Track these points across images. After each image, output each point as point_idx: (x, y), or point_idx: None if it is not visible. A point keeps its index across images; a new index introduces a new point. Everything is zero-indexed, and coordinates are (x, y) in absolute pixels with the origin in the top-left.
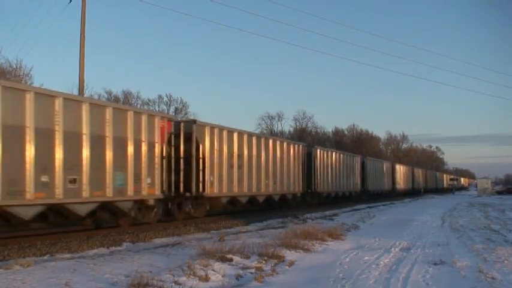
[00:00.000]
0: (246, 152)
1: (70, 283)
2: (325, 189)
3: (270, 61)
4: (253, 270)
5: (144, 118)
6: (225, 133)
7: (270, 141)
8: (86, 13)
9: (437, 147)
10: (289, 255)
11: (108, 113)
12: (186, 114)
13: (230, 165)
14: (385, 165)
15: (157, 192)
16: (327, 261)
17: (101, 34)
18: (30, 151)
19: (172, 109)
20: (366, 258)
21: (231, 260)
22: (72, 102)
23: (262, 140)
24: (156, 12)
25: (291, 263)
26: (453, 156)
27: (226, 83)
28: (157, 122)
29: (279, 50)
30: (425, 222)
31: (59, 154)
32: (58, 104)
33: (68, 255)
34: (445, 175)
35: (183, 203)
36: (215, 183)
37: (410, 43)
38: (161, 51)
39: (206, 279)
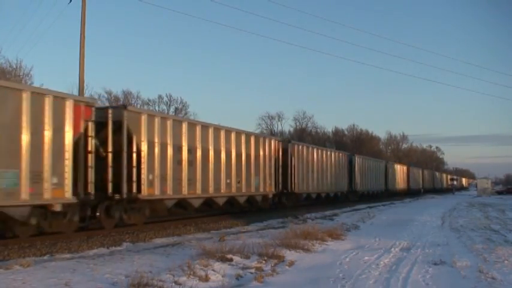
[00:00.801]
0: (200, 146)
1: (70, 283)
2: (305, 190)
3: (270, 61)
4: (253, 270)
5: (47, 101)
6: (169, 123)
7: (233, 134)
8: (86, 13)
9: (437, 147)
10: (289, 255)
11: None
12: (186, 114)
13: (177, 162)
14: (377, 164)
15: (68, 194)
16: (327, 261)
17: (101, 34)
18: None
19: (172, 109)
20: (366, 258)
21: (231, 260)
22: None
23: (222, 132)
24: (156, 12)
25: (291, 263)
26: (453, 156)
27: (226, 83)
28: (68, 106)
29: (279, 50)
30: (425, 222)
31: None
32: None
33: (68, 255)
34: (445, 175)
35: (113, 207)
36: (156, 183)
37: (411, 43)
38: (161, 51)
39: (206, 279)
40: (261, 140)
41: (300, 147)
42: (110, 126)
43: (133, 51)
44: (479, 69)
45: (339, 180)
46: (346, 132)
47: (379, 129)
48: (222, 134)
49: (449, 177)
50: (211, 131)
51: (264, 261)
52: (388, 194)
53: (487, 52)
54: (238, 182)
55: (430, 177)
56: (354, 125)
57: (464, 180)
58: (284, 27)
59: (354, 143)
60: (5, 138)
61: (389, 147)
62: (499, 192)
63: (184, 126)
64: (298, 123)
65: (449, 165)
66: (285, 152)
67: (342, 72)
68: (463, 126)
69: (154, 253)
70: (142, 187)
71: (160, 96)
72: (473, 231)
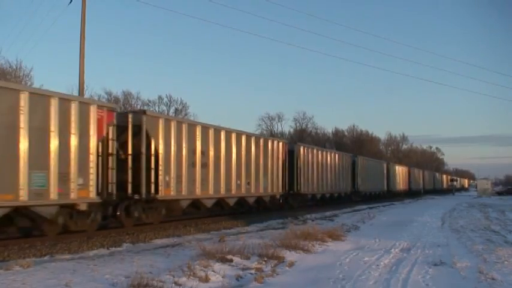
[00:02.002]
0: (212, 149)
1: (70, 284)
2: (310, 191)
3: (270, 62)
4: (253, 271)
5: (73, 106)
6: (184, 127)
7: (243, 137)
8: (86, 13)
9: (437, 148)
10: (289, 256)
11: (23, 99)
12: (186, 115)
13: (192, 164)
14: (379, 165)
15: (93, 195)
16: (327, 261)
17: (101, 35)
18: None
19: (172, 110)
20: (366, 258)
21: (231, 260)
22: None
23: (233, 135)
24: (156, 13)
25: (291, 264)
26: (453, 157)
27: (226, 84)
28: (92, 111)
29: (279, 51)
30: (425, 222)
31: None
32: None
33: (68, 256)
34: (445, 176)
35: (132, 207)
36: (172, 184)
37: (411, 44)
38: (161, 51)
39: (206, 279)
40: (269, 142)
41: (306, 148)
42: (130, 130)
43: (134, 52)
44: (479, 69)
45: (343, 181)
46: (346, 133)
47: (379, 130)
48: (233, 137)
49: (449, 178)
50: (222, 134)
51: (264, 262)
52: (389, 195)
53: (487, 52)
54: (248, 183)
55: (431, 178)
56: (354, 126)
57: (464, 181)
58: (284, 28)
59: (354, 144)
60: (34, 141)
61: (390, 148)
62: (499, 193)
63: (198, 129)
64: (298, 124)
65: (450, 166)
66: (291, 153)
67: (342, 72)
68: (463, 127)
69: (154, 254)
70: (160, 188)
71: (160, 97)
72: (473, 231)
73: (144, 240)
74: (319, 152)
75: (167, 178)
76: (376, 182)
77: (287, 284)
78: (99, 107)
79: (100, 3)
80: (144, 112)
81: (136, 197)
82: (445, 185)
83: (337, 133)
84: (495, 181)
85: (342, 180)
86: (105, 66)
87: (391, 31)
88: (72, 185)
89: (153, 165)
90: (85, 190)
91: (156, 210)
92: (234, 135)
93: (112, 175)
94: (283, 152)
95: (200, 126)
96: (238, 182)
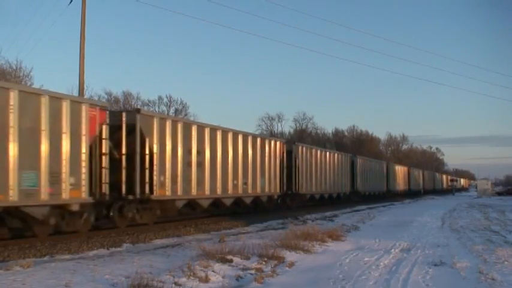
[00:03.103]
0: (208, 148)
1: (70, 284)
2: (309, 191)
3: (270, 62)
4: (253, 271)
5: (65, 105)
6: (180, 126)
7: (240, 137)
8: (86, 14)
9: (437, 148)
10: (289, 256)
11: (13, 97)
12: (186, 115)
13: (187, 163)
14: (378, 165)
15: (85, 195)
16: (327, 262)
17: (101, 35)
18: None
19: (172, 110)
20: (366, 259)
21: (231, 261)
22: None
23: (230, 134)
24: (156, 13)
25: (291, 264)
26: (453, 157)
27: (226, 84)
28: (84, 110)
29: (279, 51)
30: (425, 223)
31: None
32: None
33: (67, 256)
34: (445, 176)
35: (126, 207)
36: (167, 184)
37: (411, 44)
38: (161, 51)
39: (206, 280)
40: (267, 141)
41: (304, 148)
42: (123, 129)
43: (134, 52)
44: (479, 69)
45: (342, 181)
46: (346, 133)
47: (379, 130)
48: (229, 136)
49: (449, 178)
50: (218, 133)
51: (264, 262)
52: (389, 195)
53: (487, 52)
54: (245, 183)
55: (430, 178)
56: (354, 126)
57: (464, 181)
58: (284, 28)
59: (354, 144)
60: (24, 140)
61: (390, 148)
62: (499, 193)
63: (194, 128)
64: (298, 124)
65: (450, 166)
66: (289, 153)
67: (342, 73)
68: (463, 127)
69: (154, 254)
70: (154, 188)
71: (160, 97)
72: (473, 232)
73: (144, 241)
74: (318, 152)
75: (162, 178)
76: (376, 182)
77: (287, 284)
78: (91, 105)
79: (100, 3)
80: (138, 111)
81: (130, 197)
82: (445, 185)
83: (337, 133)
84: (495, 181)
85: (341, 181)
86: (105, 66)
87: (391, 31)
88: (64, 185)
89: (147, 165)
90: (77, 190)
91: (150, 211)
92: (230, 135)
93: (105, 175)
94: (280, 152)
95: (196, 126)
96: (235, 182)
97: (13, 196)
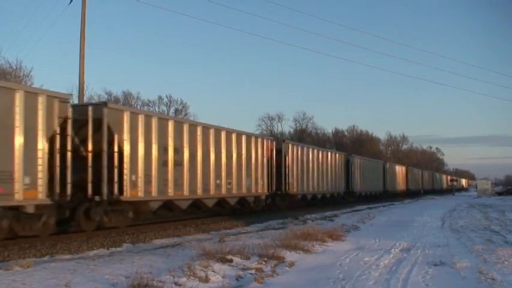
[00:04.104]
0: (187, 146)
1: (70, 284)
2: (300, 191)
3: (270, 62)
4: (253, 271)
5: (18, 96)
6: (154, 121)
7: (223, 133)
8: (86, 14)
9: (437, 148)
10: (289, 256)
11: None
12: (186, 115)
13: (163, 162)
14: (376, 165)
15: (42, 196)
16: (327, 262)
17: (101, 35)
18: None
19: (172, 110)
20: (366, 259)
21: (231, 260)
22: None
23: (212, 131)
24: (156, 13)
25: (291, 264)
26: (453, 157)
27: (227, 84)
28: (41, 102)
29: (279, 51)
30: (425, 223)
31: None
32: None
33: (67, 256)
34: (444, 176)
35: (92, 209)
36: (139, 184)
37: (411, 44)
38: (161, 51)
39: (206, 280)
40: (253, 139)
41: (295, 147)
42: (90, 124)
43: (134, 52)
44: (479, 69)
45: (336, 181)
46: (346, 133)
47: (379, 130)
48: (212, 132)
49: (449, 178)
50: (199, 129)
51: (264, 262)
52: (386, 195)
53: (487, 52)
54: (229, 183)
55: (430, 178)
56: (354, 126)
57: (464, 181)
58: (284, 28)
59: (354, 144)
60: None
61: (390, 148)
62: (499, 193)
63: (171, 124)
64: (298, 124)
65: (449, 166)
66: (278, 152)
67: (342, 73)
68: (463, 127)
69: (154, 254)
70: (125, 188)
71: (160, 97)
72: (473, 232)
73: (144, 241)
74: (310, 150)
75: (133, 177)
76: (372, 182)
77: (287, 284)
78: (49, 97)
79: (100, 4)
80: (105, 104)
81: (97, 198)
82: (445, 185)
83: (337, 133)
84: (495, 181)
85: (335, 180)
86: (105, 66)
87: (391, 31)
88: (17, 185)
89: (116, 164)
90: (32, 190)
91: (121, 213)
92: (212, 131)
93: (67, 174)
94: (268, 150)
95: (173, 121)
96: (218, 181)
97: None
